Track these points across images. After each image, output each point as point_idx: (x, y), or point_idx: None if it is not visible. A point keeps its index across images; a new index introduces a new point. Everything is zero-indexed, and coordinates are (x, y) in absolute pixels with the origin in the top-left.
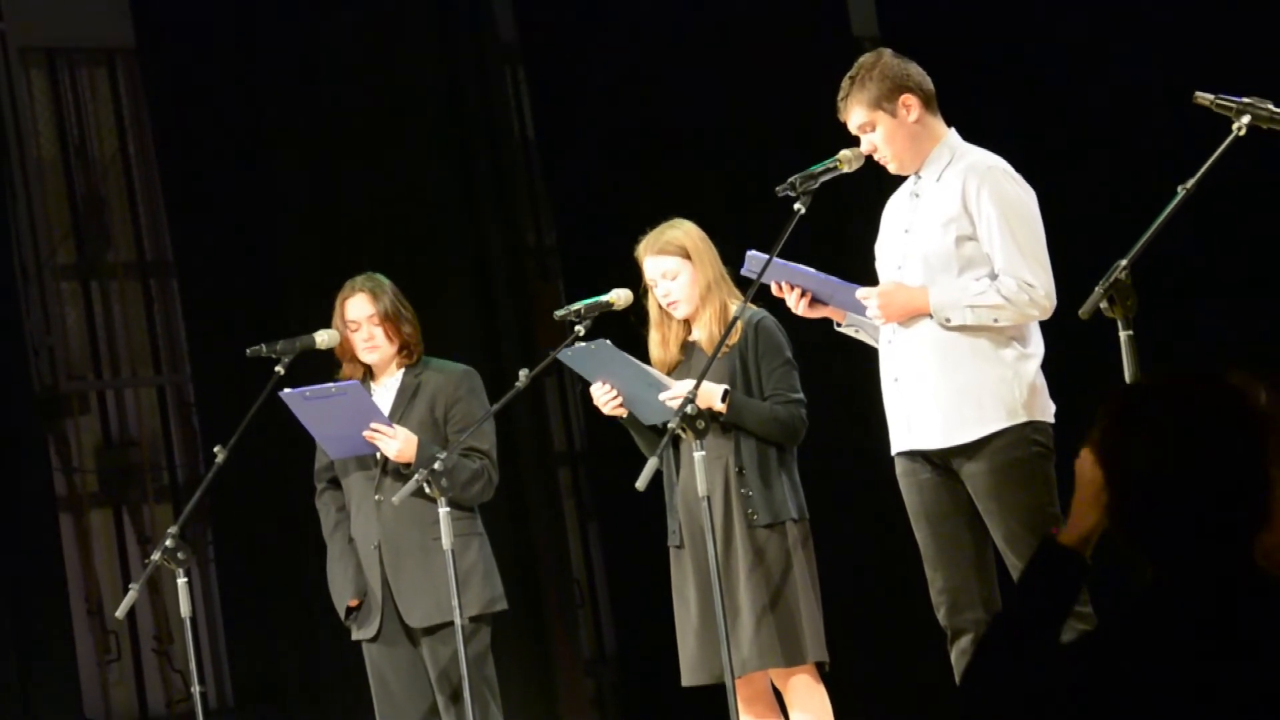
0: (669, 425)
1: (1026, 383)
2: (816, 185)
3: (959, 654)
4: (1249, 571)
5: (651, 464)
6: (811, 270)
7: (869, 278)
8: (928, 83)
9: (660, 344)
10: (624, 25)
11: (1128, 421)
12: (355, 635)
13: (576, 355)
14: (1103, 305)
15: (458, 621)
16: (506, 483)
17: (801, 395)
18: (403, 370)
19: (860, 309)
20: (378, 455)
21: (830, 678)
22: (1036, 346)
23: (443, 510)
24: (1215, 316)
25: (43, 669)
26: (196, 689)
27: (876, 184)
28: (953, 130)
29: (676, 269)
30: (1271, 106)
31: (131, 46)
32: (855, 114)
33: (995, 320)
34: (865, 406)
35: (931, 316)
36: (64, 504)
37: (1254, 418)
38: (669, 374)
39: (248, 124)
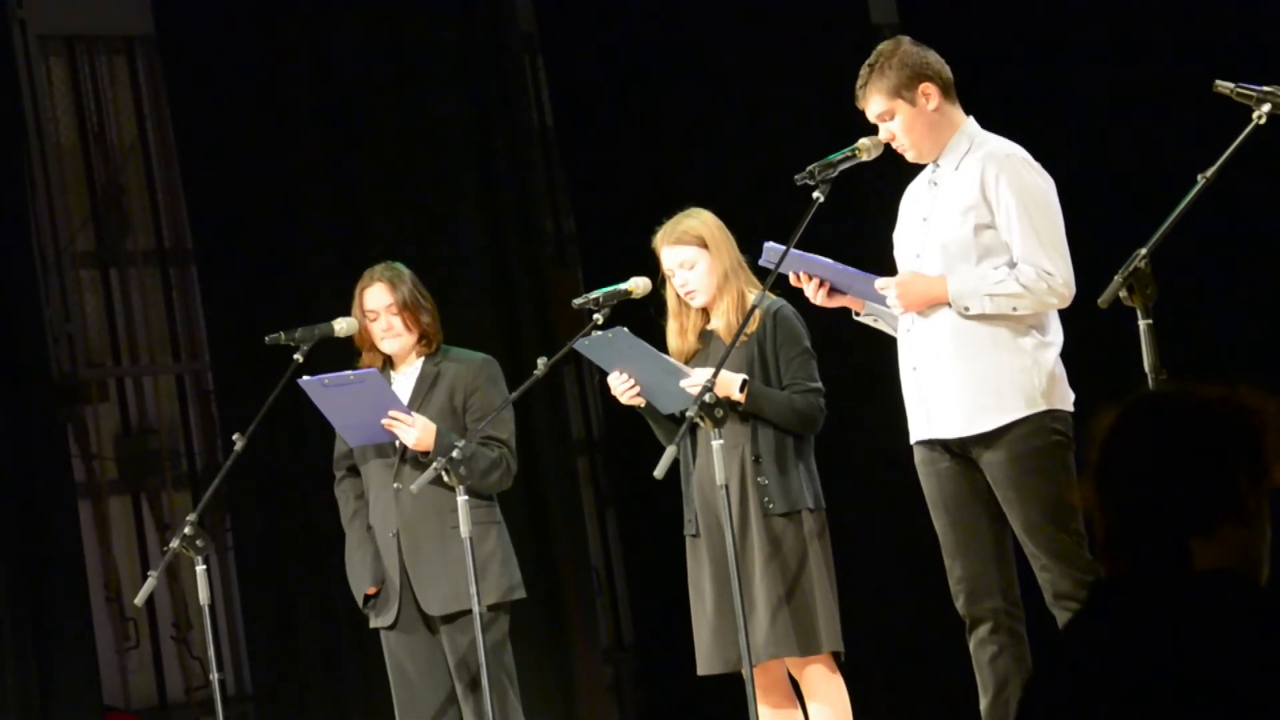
0: (688, 414)
1: (1046, 371)
2: (835, 174)
3: (977, 643)
4: (1188, 575)
5: (670, 452)
6: (829, 260)
7: (887, 267)
8: (946, 71)
9: (678, 333)
10: (642, 14)
11: (1109, 435)
12: (373, 623)
13: (594, 344)
14: (1122, 294)
15: (476, 610)
16: (525, 471)
17: (820, 385)
18: (422, 359)
19: (879, 298)
20: (396, 443)
21: (847, 667)
22: (1056, 335)
23: (461, 498)
24: (1235, 305)
25: (61, 656)
26: (215, 676)
27: (895, 172)
28: (971, 118)
29: (694, 258)
30: None
31: (151, 34)
32: (874, 102)
33: (1014, 309)
34: (883, 396)
35: (950, 305)
36: (83, 491)
37: (1231, 430)
38: (686, 363)
39: (266, 112)
